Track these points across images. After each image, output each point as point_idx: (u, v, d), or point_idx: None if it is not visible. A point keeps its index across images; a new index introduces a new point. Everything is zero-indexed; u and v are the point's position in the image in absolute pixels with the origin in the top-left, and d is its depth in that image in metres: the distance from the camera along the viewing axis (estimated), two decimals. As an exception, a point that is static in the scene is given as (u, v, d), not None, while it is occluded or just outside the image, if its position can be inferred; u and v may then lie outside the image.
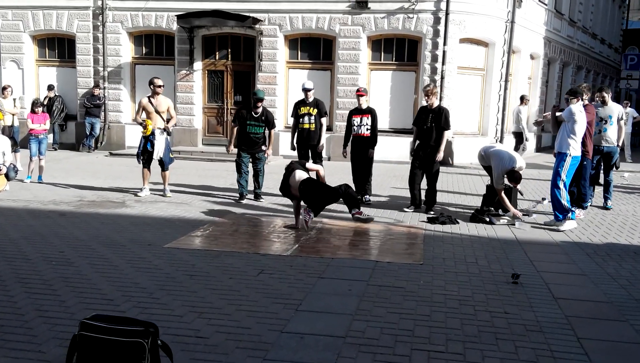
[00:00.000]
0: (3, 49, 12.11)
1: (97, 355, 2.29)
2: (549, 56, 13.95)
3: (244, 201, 6.54)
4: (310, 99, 6.74)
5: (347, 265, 4.03)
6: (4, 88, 8.63)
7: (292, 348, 2.65)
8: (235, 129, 6.62)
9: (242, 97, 11.42)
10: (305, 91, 6.73)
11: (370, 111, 6.49)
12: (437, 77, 10.46)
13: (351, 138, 6.57)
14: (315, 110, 6.70)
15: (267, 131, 6.64)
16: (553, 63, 14.66)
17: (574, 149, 5.32)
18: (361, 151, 6.48)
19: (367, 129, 6.42)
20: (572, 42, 15.67)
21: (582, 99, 5.37)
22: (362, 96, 6.52)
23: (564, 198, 5.33)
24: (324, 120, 6.79)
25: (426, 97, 6.09)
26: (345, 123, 6.75)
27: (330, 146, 10.43)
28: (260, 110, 6.50)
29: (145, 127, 6.44)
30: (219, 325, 2.91)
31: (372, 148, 6.50)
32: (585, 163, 5.85)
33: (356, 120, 6.47)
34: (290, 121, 11.16)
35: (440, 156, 5.98)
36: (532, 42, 12.70)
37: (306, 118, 6.68)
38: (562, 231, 5.26)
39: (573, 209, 5.48)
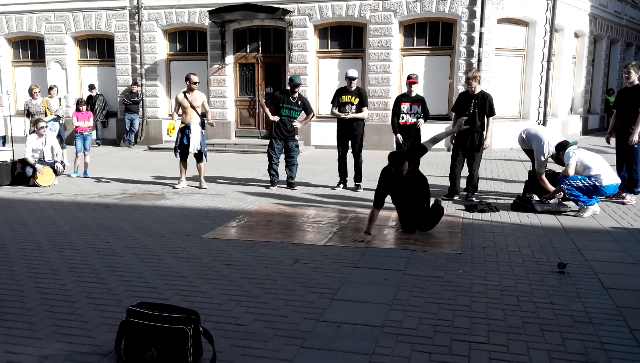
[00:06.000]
0: (48, 50, 12.74)
1: (143, 340, 2.38)
2: (594, 33, 13.13)
3: (275, 188, 6.61)
4: (353, 88, 6.59)
5: (382, 255, 3.99)
6: (50, 88, 9.04)
7: (329, 337, 2.65)
8: (267, 108, 6.81)
9: (273, 89, 11.47)
10: (349, 79, 6.57)
11: (420, 100, 6.31)
12: (474, 60, 10.09)
13: (398, 126, 6.32)
14: (357, 99, 6.54)
15: (302, 115, 6.83)
16: (599, 41, 13.79)
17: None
18: (409, 139, 6.29)
19: (418, 118, 6.26)
20: (619, 18, 14.66)
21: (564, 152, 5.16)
22: (414, 83, 6.27)
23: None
24: (365, 110, 6.63)
25: (470, 82, 5.83)
26: (391, 110, 6.52)
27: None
28: (296, 95, 6.59)
29: (172, 128, 6.67)
30: (257, 313, 2.95)
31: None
32: (636, 146, 5.49)
33: (405, 107, 6.27)
34: (322, 110, 11.28)
35: (488, 142, 5.90)
36: (576, 19, 11.98)
37: (347, 107, 6.55)
38: (582, 216, 5.06)
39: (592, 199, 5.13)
